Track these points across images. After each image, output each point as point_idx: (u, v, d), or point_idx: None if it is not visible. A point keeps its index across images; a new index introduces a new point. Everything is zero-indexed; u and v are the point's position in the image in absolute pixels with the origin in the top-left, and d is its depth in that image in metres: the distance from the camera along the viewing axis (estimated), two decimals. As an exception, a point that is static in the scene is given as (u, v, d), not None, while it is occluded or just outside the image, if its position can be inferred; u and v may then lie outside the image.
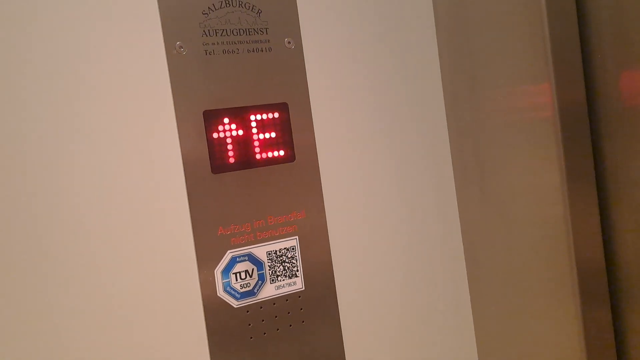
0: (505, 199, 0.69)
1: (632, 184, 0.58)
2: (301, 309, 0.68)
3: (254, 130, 0.65)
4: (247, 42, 0.64)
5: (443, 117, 0.77)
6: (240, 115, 0.64)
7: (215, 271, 0.63)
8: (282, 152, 0.66)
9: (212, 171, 0.63)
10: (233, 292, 0.64)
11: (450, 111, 0.77)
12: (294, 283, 0.68)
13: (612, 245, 0.62)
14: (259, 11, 0.65)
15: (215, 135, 0.63)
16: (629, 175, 0.58)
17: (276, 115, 0.66)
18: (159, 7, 0.60)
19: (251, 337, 0.65)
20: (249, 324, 0.65)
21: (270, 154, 0.66)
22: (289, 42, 0.66)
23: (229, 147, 0.63)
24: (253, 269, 0.65)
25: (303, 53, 0.68)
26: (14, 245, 0.55)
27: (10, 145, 0.55)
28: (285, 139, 0.66)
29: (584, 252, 0.61)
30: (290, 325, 0.67)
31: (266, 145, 0.65)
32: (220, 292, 0.64)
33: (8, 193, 0.55)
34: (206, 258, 0.63)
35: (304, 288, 0.68)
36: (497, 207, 0.71)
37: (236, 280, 0.64)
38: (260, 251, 0.66)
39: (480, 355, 0.80)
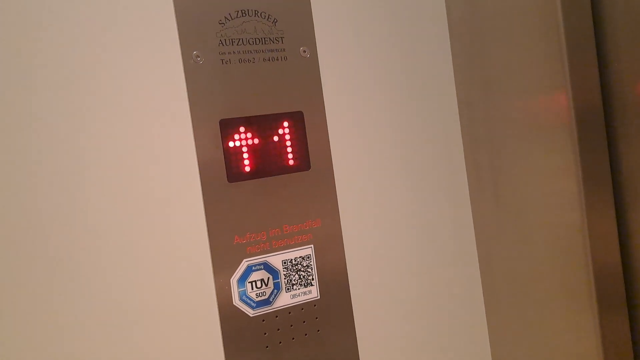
0: (520, 206, 0.69)
1: None
2: (317, 317, 0.68)
3: (270, 139, 0.65)
4: (263, 52, 0.64)
5: (457, 123, 0.77)
6: (256, 124, 0.64)
7: (231, 280, 0.63)
8: (297, 161, 0.66)
9: (228, 180, 0.63)
10: (249, 301, 0.64)
11: (464, 118, 0.77)
12: (310, 292, 0.68)
13: (630, 251, 0.61)
14: (275, 20, 0.65)
15: (231, 143, 0.63)
16: None
17: (291, 123, 0.66)
18: (176, 17, 0.60)
19: (267, 346, 0.65)
20: (265, 333, 0.65)
21: (285, 163, 0.66)
22: (305, 51, 0.67)
23: (245, 155, 0.64)
24: (269, 278, 0.65)
25: (318, 62, 0.68)
26: (31, 262, 0.55)
27: (27, 158, 0.55)
28: (300, 148, 0.66)
29: (601, 258, 0.60)
30: (306, 334, 0.67)
31: (282, 153, 0.65)
32: (236, 301, 0.63)
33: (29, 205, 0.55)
34: (222, 267, 0.63)
35: (319, 297, 0.68)
36: (512, 214, 0.71)
37: (252, 289, 0.64)
38: (276, 260, 0.66)
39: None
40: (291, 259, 0.67)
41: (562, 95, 0.60)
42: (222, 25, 0.62)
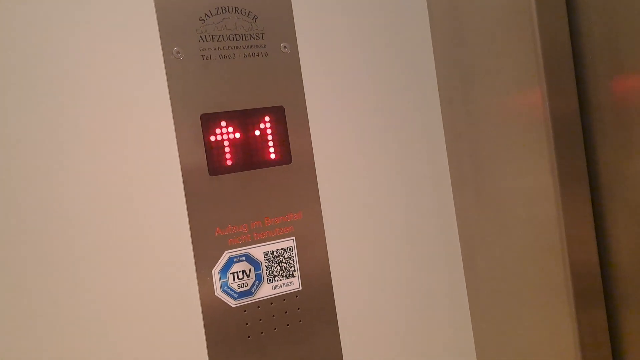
0: (500, 201, 0.70)
1: (625, 185, 0.59)
2: (298, 308, 0.69)
3: (251, 133, 0.66)
4: (243, 47, 0.66)
5: (439, 119, 0.78)
6: (237, 118, 0.65)
7: (213, 271, 0.65)
8: (278, 155, 0.67)
9: (209, 173, 0.64)
10: (231, 292, 0.66)
11: (446, 114, 0.78)
12: (291, 283, 0.69)
13: (606, 246, 0.62)
14: (255, 17, 0.66)
15: (212, 138, 0.64)
16: (622, 176, 0.59)
17: (273, 118, 0.67)
18: (157, 14, 0.61)
19: (249, 336, 0.66)
20: (247, 323, 0.66)
21: (267, 157, 0.67)
22: (285, 47, 0.68)
23: (226, 149, 0.65)
24: (250, 269, 0.67)
25: (299, 57, 0.69)
26: (10, 248, 0.57)
27: (8, 149, 0.57)
28: (281, 142, 0.68)
29: (577, 254, 0.61)
30: (288, 325, 0.68)
31: (263, 147, 0.67)
32: (218, 292, 0.65)
33: (5, 197, 0.57)
34: (204, 258, 0.64)
35: (301, 288, 0.69)
36: (493, 209, 0.72)
37: (234, 280, 0.66)
38: (258, 252, 0.67)
39: (478, 355, 0.80)
40: (273, 251, 0.68)
41: (538, 93, 0.60)
42: (203, 21, 0.63)
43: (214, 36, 0.64)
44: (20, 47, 0.57)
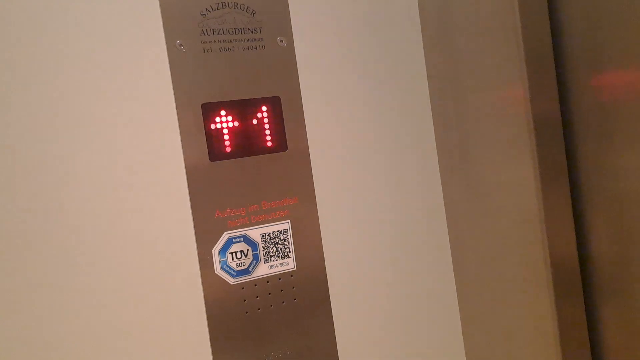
0: (486, 194, 0.72)
1: (604, 180, 0.60)
2: (293, 287, 0.73)
3: (249, 122, 0.70)
4: (242, 41, 0.69)
5: (429, 111, 0.81)
6: (235, 107, 0.69)
7: (212, 251, 0.68)
8: (275, 142, 0.71)
9: (209, 159, 0.68)
10: (229, 270, 0.69)
11: (435, 107, 0.80)
12: (287, 263, 0.73)
13: (585, 238, 0.64)
14: (253, 12, 0.70)
15: (212, 126, 0.68)
16: (601, 171, 0.61)
17: (269, 108, 0.71)
18: (161, 9, 0.65)
19: (246, 312, 0.70)
20: (244, 300, 0.70)
21: (264, 144, 0.71)
22: (281, 41, 0.71)
23: (226, 137, 0.69)
24: (248, 250, 0.71)
25: (294, 51, 0.72)
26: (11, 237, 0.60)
27: (16, 139, 0.60)
28: (277, 130, 0.71)
29: (557, 245, 0.63)
30: (283, 302, 0.72)
31: (260, 135, 0.70)
32: (218, 270, 0.69)
33: (9, 189, 0.60)
34: (204, 239, 0.68)
35: (295, 268, 0.73)
36: (479, 201, 0.74)
37: (232, 259, 0.70)
38: (255, 233, 0.71)
39: (465, 333, 0.83)
40: (269, 233, 0.72)
41: (520, 89, 0.62)
42: (204, 16, 0.67)
43: (214, 30, 0.68)
44: (25, 41, 0.60)
